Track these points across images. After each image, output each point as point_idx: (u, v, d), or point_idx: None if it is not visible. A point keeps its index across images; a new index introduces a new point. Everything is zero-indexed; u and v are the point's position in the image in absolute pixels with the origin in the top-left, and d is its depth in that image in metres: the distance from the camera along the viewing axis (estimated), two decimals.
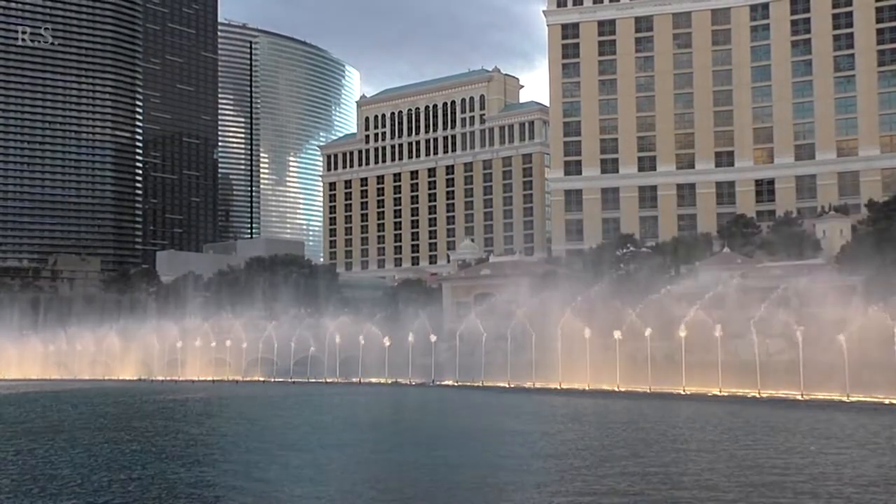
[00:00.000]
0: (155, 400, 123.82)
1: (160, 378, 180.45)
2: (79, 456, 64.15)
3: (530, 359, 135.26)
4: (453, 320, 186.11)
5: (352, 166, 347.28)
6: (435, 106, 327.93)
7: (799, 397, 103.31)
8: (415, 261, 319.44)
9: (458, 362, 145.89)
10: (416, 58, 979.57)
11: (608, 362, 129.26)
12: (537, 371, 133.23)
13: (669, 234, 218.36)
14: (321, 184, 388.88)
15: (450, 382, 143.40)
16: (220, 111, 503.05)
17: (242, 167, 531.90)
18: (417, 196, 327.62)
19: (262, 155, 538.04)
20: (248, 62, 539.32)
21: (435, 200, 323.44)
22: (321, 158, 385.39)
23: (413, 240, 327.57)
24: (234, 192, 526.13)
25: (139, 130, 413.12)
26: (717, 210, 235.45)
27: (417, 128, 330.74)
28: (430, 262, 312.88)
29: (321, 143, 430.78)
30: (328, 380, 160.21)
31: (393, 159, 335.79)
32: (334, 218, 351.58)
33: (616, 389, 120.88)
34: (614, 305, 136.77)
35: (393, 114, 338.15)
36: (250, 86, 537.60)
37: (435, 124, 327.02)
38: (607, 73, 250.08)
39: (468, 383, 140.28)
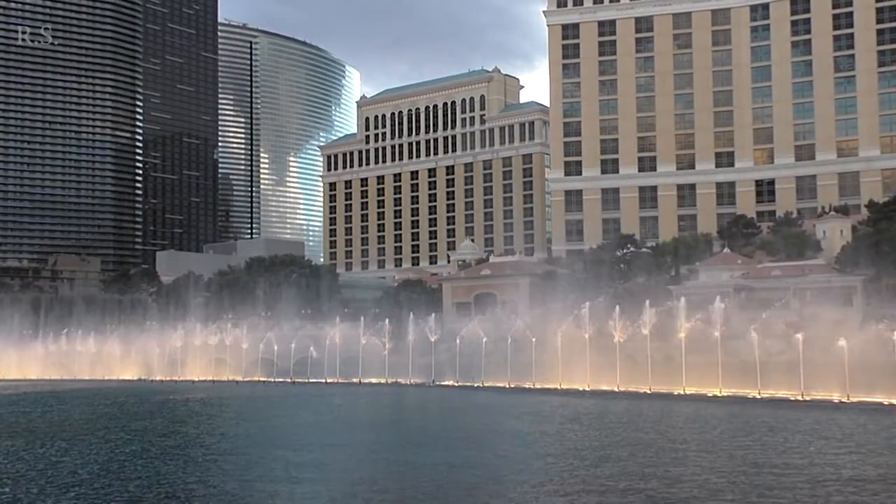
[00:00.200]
0: (155, 400, 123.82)
1: (160, 378, 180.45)
2: (78, 456, 64.11)
3: (530, 359, 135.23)
4: (453, 320, 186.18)
5: (352, 166, 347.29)
6: (435, 106, 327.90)
7: (799, 398, 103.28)
8: (415, 261, 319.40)
9: (458, 362, 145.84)
10: (416, 58, 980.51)
11: (608, 363, 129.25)
12: (537, 371, 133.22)
13: (670, 234, 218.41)
14: (321, 184, 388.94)
15: (450, 383, 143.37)
16: (220, 111, 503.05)
17: (242, 167, 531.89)
18: (417, 196, 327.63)
19: (262, 155, 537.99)
20: (249, 62, 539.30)
21: (435, 201, 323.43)
22: (321, 158, 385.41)
23: (413, 240, 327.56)
24: (235, 193, 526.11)
25: (139, 130, 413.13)
26: (718, 210, 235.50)
27: (417, 128, 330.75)
28: (431, 263, 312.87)
29: (321, 144, 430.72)
30: (328, 380, 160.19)
31: (393, 159, 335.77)
32: (334, 218, 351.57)
33: (616, 390, 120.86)
34: (614, 306, 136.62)
35: (393, 114, 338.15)
36: (250, 86, 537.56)
37: (435, 124, 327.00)
38: (607, 73, 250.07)
39: (468, 383, 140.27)
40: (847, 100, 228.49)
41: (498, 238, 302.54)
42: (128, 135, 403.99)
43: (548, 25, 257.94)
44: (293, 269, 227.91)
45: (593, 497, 47.20)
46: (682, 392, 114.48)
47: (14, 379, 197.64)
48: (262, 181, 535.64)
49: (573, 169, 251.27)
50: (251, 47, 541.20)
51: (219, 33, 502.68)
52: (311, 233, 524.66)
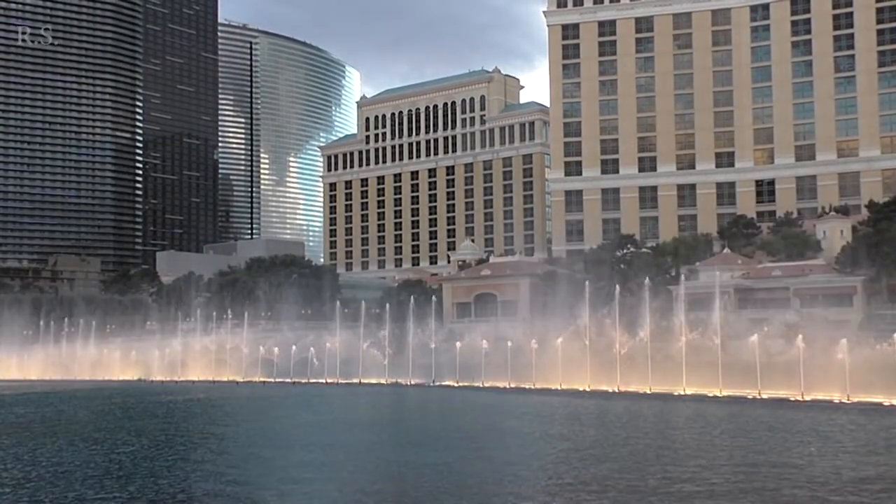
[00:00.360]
0: (155, 401, 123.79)
1: (160, 379, 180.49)
2: (78, 456, 64.10)
3: (530, 360, 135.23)
4: (453, 321, 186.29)
5: (352, 167, 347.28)
6: (435, 106, 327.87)
7: (799, 398, 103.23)
8: (415, 261, 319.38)
9: (458, 363, 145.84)
10: (416, 58, 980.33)
11: (608, 363, 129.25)
12: (537, 372, 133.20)
13: (670, 234, 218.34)
14: (321, 184, 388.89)
15: (450, 383, 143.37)
16: (220, 112, 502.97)
17: (242, 168, 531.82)
18: (418, 196, 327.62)
19: (262, 155, 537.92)
20: (249, 63, 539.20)
21: (435, 201, 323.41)
22: (321, 159, 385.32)
23: (413, 240, 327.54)
24: (235, 193, 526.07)
25: (139, 131, 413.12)
26: (718, 211, 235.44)
27: (418, 128, 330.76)
28: (431, 263, 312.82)
29: (321, 144, 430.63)
30: (328, 380, 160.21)
31: (393, 160, 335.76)
32: (334, 218, 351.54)
33: (616, 390, 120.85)
34: (614, 307, 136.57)
35: (393, 114, 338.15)
36: (250, 86, 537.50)
37: (435, 125, 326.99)
38: (608, 73, 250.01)
39: (468, 384, 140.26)
40: (847, 100, 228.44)
41: (498, 238, 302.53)
42: (128, 135, 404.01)
43: (548, 25, 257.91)
44: (293, 269, 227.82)
45: (593, 497, 47.19)
46: (682, 392, 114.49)
47: (14, 379, 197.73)
48: (262, 181, 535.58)
49: (573, 169, 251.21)
50: (251, 47, 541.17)
51: (219, 33, 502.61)
52: (311, 233, 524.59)
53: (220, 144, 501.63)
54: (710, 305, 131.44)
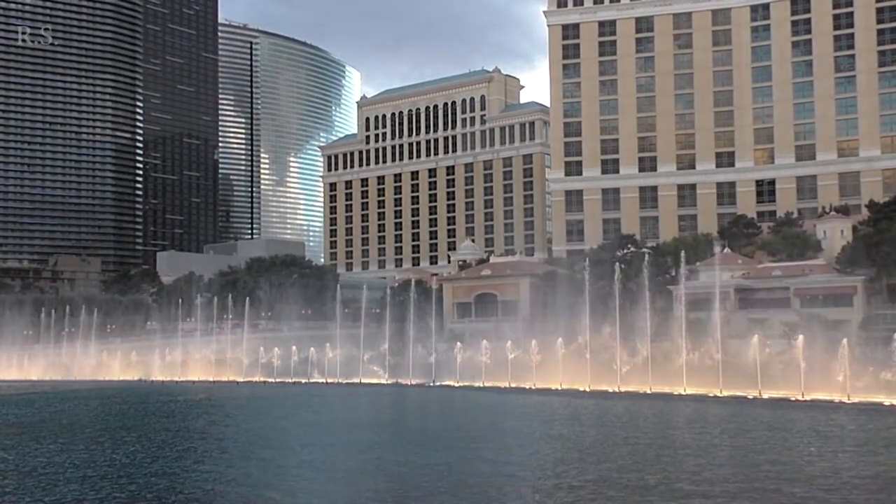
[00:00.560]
0: (156, 401, 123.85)
1: (161, 379, 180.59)
2: (79, 456, 64.14)
3: (530, 360, 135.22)
4: (454, 321, 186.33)
5: (352, 167, 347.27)
6: (435, 106, 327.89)
7: (799, 398, 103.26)
8: (415, 261, 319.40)
9: (458, 363, 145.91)
10: (416, 58, 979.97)
11: (608, 363, 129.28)
12: (537, 372, 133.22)
13: (670, 234, 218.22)
14: (322, 184, 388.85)
15: (450, 383, 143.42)
16: (220, 112, 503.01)
17: (243, 168, 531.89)
18: (418, 196, 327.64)
19: (262, 155, 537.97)
20: (249, 63, 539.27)
21: (435, 201, 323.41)
22: (321, 159, 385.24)
23: (414, 240, 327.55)
24: (235, 193, 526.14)
25: (139, 131, 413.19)
26: (718, 210, 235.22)
27: (418, 128, 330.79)
28: (431, 263, 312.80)
29: (321, 144, 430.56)
30: (328, 380, 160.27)
31: (393, 160, 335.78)
32: (335, 218, 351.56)
33: (616, 390, 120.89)
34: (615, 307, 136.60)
35: (393, 114, 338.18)
36: (251, 86, 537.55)
37: (435, 125, 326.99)
38: (608, 73, 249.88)
39: (468, 384, 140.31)
40: (847, 100, 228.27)
41: (498, 238, 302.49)
42: (128, 135, 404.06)
43: (548, 26, 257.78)
44: (293, 269, 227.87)
45: (593, 497, 47.22)
46: (682, 392, 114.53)
47: (15, 379, 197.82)
48: (262, 181, 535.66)
49: (573, 169, 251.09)
50: (251, 48, 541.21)
51: (219, 34, 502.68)
52: (311, 233, 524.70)
53: (220, 144, 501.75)
54: (711, 305, 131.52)
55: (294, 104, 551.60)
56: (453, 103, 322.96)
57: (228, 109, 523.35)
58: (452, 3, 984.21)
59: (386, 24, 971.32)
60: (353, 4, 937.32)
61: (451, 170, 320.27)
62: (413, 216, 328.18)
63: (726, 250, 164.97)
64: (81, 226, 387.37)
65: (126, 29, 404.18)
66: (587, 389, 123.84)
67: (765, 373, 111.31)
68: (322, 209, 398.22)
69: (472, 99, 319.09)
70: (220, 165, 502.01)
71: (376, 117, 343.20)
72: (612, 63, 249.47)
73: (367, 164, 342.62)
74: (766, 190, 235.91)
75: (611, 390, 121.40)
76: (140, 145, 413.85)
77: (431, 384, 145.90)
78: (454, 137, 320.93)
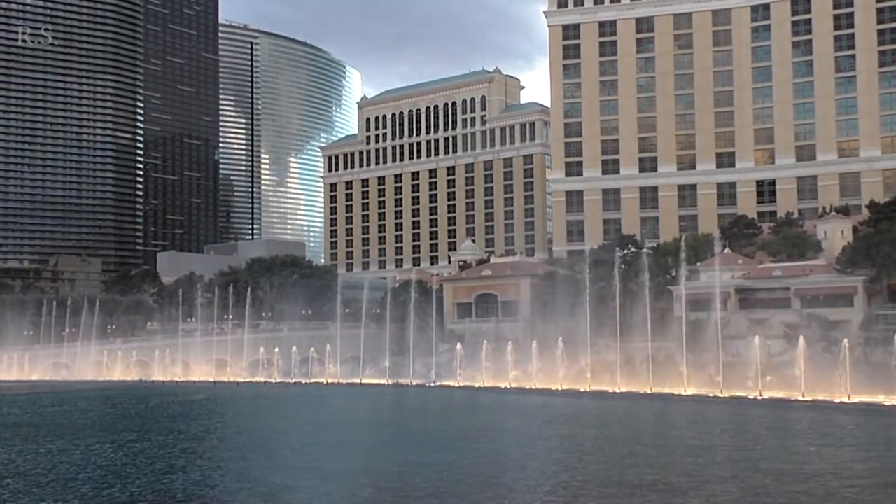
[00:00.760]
0: (156, 402, 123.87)
1: (161, 379, 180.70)
2: (79, 457, 64.17)
3: (531, 360, 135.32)
4: (454, 321, 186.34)
5: (353, 167, 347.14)
6: (436, 107, 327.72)
7: (800, 398, 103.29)
8: (416, 262, 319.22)
9: (458, 363, 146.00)
10: (416, 59, 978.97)
11: (608, 363, 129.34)
12: (538, 372, 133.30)
13: (671, 234, 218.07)
14: (322, 185, 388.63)
15: (451, 383, 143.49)
16: (220, 112, 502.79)
17: (243, 168, 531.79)
18: (418, 197, 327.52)
19: (262, 156, 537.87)
20: (249, 63, 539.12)
21: (436, 201, 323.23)
22: (322, 159, 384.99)
23: (414, 241, 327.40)
24: (235, 193, 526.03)
25: (140, 131, 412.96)
26: (718, 211, 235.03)
27: (418, 129, 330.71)
28: (431, 263, 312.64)
29: (322, 144, 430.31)
30: (329, 381, 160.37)
31: (394, 160, 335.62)
32: (335, 219, 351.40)
33: (616, 391, 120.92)
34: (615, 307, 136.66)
35: (394, 115, 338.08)
36: (251, 87, 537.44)
37: (436, 125, 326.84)
38: (608, 73, 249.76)
39: (469, 384, 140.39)
40: (848, 100, 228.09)
41: (499, 238, 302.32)
42: (128, 135, 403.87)
43: (548, 26, 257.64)
44: (294, 269, 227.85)
45: (593, 496, 47.25)
46: (682, 393, 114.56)
47: (15, 380, 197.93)
48: (262, 182, 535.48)
49: (574, 169, 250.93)
50: (252, 48, 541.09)
51: (219, 34, 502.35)
52: (311, 233, 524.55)
53: (220, 145, 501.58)
54: (711, 306, 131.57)
55: (294, 104, 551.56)
56: (454, 104, 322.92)
57: (229, 110, 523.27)
58: (452, 3, 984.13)
59: (386, 24, 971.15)
60: (353, 4, 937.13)
61: (451, 170, 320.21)
62: (413, 216, 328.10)
63: (727, 251, 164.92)
64: (82, 226, 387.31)
65: (126, 29, 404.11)
66: (587, 390, 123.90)
67: (765, 373, 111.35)
68: (322, 209, 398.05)
69: (473, 99, 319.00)
70: (221, 166, 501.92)
71: (377, 118, 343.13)
72: (613, 63, 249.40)
73: (368, 164, 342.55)
74: (766, 190, 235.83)
75: (611, 391, 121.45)
76: (140, 145, 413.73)
77: (431, 384, 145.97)
78: (454, 138, 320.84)
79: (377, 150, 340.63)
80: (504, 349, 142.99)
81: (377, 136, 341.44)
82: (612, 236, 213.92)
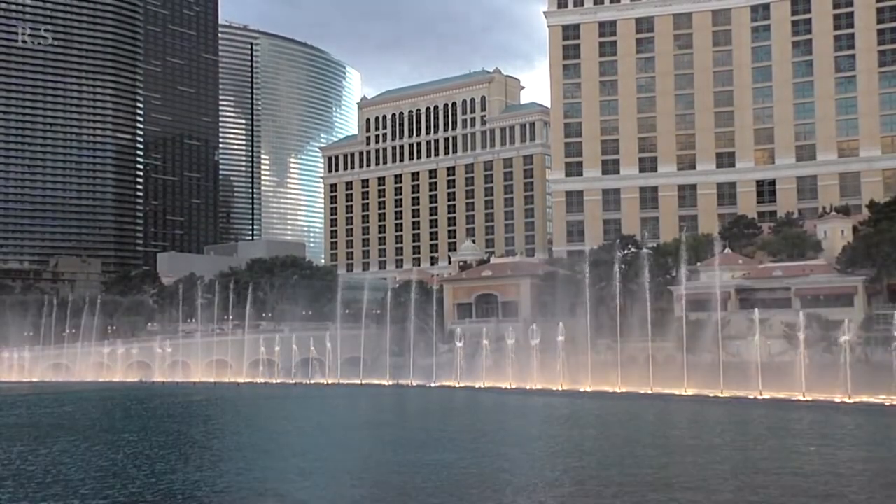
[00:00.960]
0: (156, 403, 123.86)
1: (161, 380, 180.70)
2: (80, 457, 64.18)
3: (531, 361, 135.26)
4: (454, 322, 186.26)
5: (353, 168, 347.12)
6: (436, 107, 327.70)
7: (800, 398, 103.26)
8: (416, 262, 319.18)
9: (459, 364, 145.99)
10: (416, 59, 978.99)
11: (609, 364, 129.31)
12: (538, 373, 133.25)
13: (671, 235, 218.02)
14: (322, 185, 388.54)
15: (451, 384, 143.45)
16: (220, 113, 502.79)
17: (243, 169, 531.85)
18: (418, 197, 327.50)
19: (262, 156, 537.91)
20: (249, 64, 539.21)
21: (436, 202, 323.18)
22: (322, 160, 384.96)
23: (414, 241, 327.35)
24: (235, 194, 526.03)
25: (140, 132, 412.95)
26: (719, 211, 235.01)
27: (418, 129, 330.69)
28: (432, 264, 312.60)
29: (322, 145, 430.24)
30: (329, 381, 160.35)
31: (394, 160, 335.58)
32: (335, 219, 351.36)
33: (617, 391, 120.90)
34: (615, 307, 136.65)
35: (394, 115, 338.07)
36: (251, 87, 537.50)
37: (436, 125, 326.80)
38: (608, 74, 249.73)
39: (469, 384, 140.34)
40: (848, 100, 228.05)
41: (499, 239, 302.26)
42: (128, 136, 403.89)
43: (548, 26, 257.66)
44: (294, 270, 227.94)
45: (593, 496, 47.26)
46: (682, 393, 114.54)
47: (16, 381, 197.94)
48: (262, 182, 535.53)
49: (574, 170, 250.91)
50: (252, 49, 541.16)
51: (219, 35, 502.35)
52: (311, 234, 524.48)
53: (220, 145, 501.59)
54: (711, 306, 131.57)
55: (294, 105, 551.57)
56: (454, 104, 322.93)
57: (229, 110, 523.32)
58: (452, 4, 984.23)
59: (386, 25, 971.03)
60: (353, 5, 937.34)
61: (451, 170, 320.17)
62: (413, 217, 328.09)
63: (727, 251, 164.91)
64: (82, 227, 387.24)
65: (126, 30, 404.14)
66: (588, 390, 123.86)
67: (765, 373, 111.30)
68: (322, 210, 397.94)
69: (473, 99, 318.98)
70: (221, 166, 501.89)
71: (377, 118, 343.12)
72: (613, 64, 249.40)
73: (368, 164, 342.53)
74: (766, 190, 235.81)
75: (611, 391, 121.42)
76: (140, 146, 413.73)
77: (432, 385, 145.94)
78: (455, 138, 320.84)
79: (377, 151, 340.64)
80: (504, 350, 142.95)
81: (377, 136, 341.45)
82: (613, 236, 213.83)
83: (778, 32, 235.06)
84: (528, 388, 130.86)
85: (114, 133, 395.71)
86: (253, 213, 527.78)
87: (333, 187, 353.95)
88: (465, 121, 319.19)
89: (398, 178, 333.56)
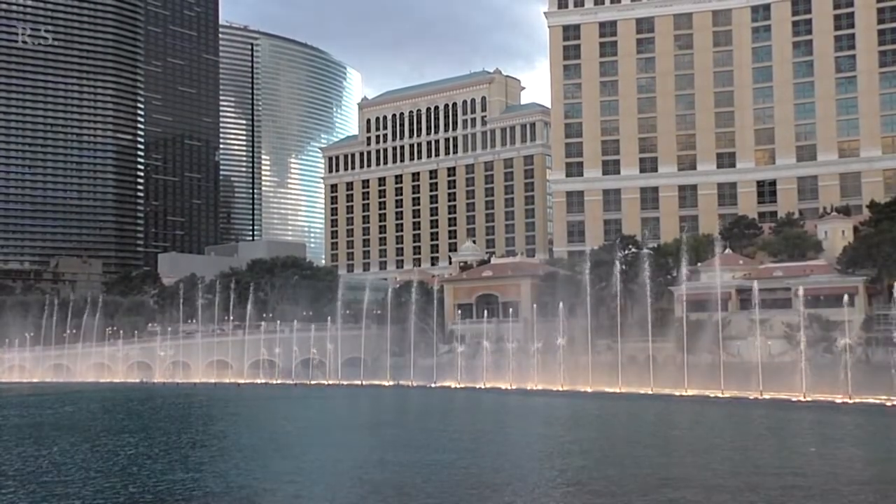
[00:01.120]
0: (157, 403, 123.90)
1: (162, 381, 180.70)
2: (81, 457, 64.21)
3: (532, 361, 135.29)
4: (455, 322, 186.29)
5: (353, 168, 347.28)
6: (436, 107, 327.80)
7: (801, 398, 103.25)
8: (416, 262, 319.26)
9: (459, 364, 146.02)
10: (417, 59, 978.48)
11: (610, 364, 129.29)
12: (538, 373, 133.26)
13: (671, 235, 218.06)
14: (322, 186, 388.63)
15: (451, 384, 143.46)
16: (221, 113, 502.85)
17: (244, 169, 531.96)
18: (419, 198, 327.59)
19: (263, 157, 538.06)
20: (250, 64, 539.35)
21: (436, 202, 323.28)
22: (322, 160, 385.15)
23: (415, 241, 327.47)
24: (236, 194, 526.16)
25: (140, 132, 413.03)
26: (719, 211, 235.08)
27: (419, 129, 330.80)
28: (432, 264, 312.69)
29: (322, 145, 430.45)
30: (329, 382, 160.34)
31: (394, 161, 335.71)
32: (336, 220, 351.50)
33: (618, 391, 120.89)
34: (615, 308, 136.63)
35: (394, 115, 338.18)
36: (251, 88, 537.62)
37: (436, 126, 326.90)
38: (608, 74, 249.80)
39: (469, 385, 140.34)
40: (848, 100, 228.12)
41: (499, 239, 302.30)
42: (129, 137, 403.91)
43: (549, 27, 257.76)
44: (295, 270, 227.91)
45: (593, 496, 47.27)
46: (683, 393, 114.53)
47: (17, 381, 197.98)
48: (263, 183, 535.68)
49: (574, 170, 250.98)
50: (252, 49, 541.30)
51: (220, 35, 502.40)
52: (312, 234, 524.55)
53: (221, 146, 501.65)
54: (712, 306, 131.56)
55: (295, 105, 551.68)
56: (454, 104, 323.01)
57: (229, 111, 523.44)
58: (453, 4, 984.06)
59: (386, 25, 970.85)
60: (354, 5, 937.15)
61: (452, 171, 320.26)
62: (414, 217, 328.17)
63: (727, 251, 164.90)
64: (83, 227, 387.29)
65: (127, 30, 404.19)
66: (589, 391, 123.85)
67: (766, 373, 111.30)
68: (323, 210, 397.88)
69: (473, 100, 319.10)
70: (221, 167, 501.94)
71: (377, 118, 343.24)
72: (613, 64, 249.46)
73: (368, 165, 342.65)
74: (766, 190, 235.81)
75: (612, 391, 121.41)
76: (141, 147, 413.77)
77: (433, 385, 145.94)
78: (455, 138, 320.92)
79: (377, 151, 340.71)
80: (505, 350, 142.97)
81: (377, 136, 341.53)
82: (613, 237, 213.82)
83: (778, 33, 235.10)
84: (528, 388, 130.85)
85: (114, 133, 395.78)
86: (253, 214, 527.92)
87: (334, 188, 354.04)
88: (465, 121, 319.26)
89: (398, 178, 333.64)
